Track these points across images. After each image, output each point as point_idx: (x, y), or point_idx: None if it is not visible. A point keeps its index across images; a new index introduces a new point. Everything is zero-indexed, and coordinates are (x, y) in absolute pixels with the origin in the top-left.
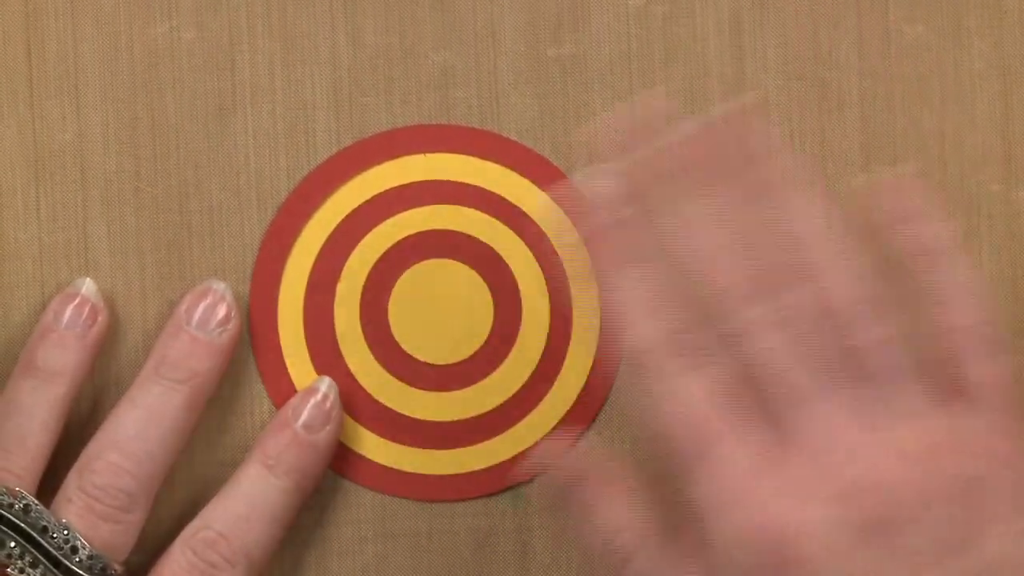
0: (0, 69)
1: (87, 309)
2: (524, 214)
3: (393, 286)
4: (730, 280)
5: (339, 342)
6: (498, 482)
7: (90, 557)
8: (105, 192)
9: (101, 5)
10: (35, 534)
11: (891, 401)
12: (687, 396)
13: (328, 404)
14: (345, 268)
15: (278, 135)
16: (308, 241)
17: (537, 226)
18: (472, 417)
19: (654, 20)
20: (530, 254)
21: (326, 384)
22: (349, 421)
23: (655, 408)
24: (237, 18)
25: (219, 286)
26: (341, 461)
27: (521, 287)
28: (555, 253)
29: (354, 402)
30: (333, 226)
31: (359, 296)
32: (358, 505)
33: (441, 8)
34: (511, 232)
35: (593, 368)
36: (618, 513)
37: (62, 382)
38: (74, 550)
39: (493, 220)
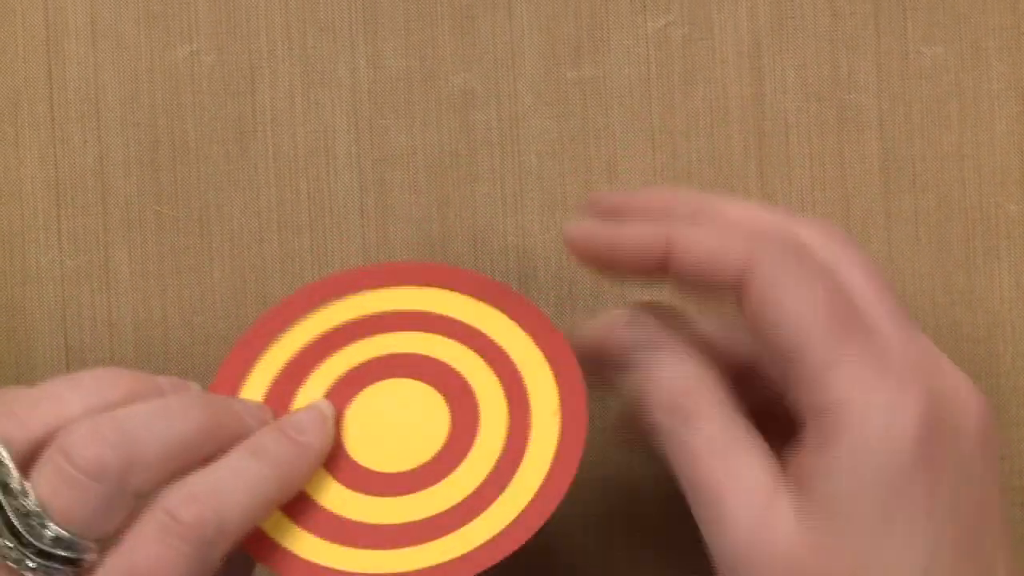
0: (22, 93)
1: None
2: (489, 339)
3: (350, 402)
4: None
5: None
6: None
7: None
8: (126, 215)
9: (122, 29)
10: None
11: None
12: None
13: (323, 414)
14: (301, 389)
15: (298, 158)
16: (267, 364)
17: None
18: (420, 520)
19: (673, 42)
20: (491, 372)
21: (324, 404)
22: (294, 528)
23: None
24: (257, 42)
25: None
26: (285, 564)
27: (479, 399)
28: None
29: (301, 511)
30: (295, 351)
31: None
32: None
33: (461, 31)
34: (472, 352)
35: (547, 477)
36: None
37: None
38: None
39: (455, 343)
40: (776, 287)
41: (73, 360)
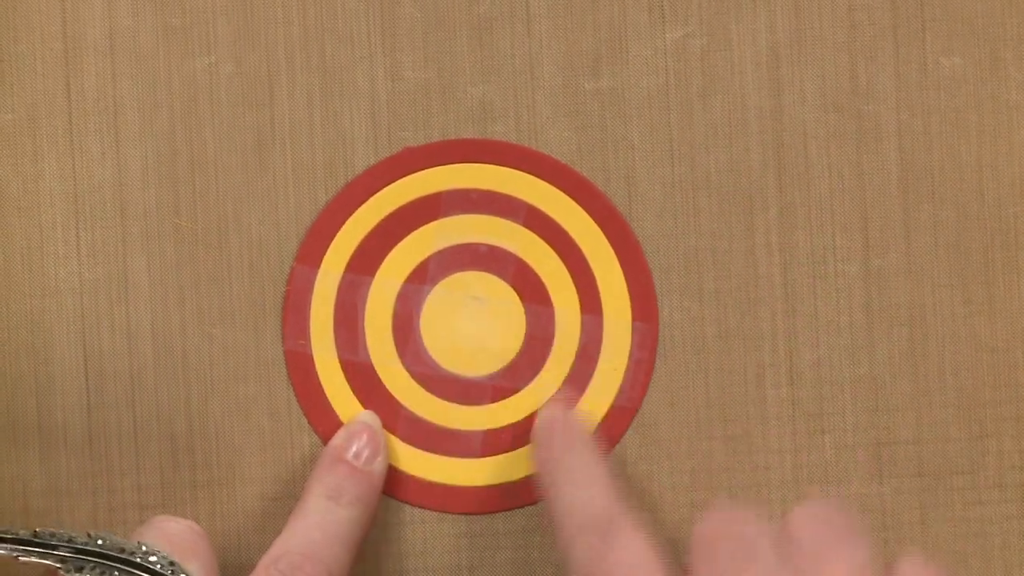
0: (40, 106)
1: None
2: (564, 231)
3: (426, 298)
4: None
5: (372, 357)
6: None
7: None
8: (144, 227)
9: (140, 40)
10: None
11: None
12: None
13: (375, 435)
14: (373, 285)
15: (316, 169)
16: (344, 240)
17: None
18: (502, 427)
19: (692, 53)
20: (566, 271)
21: (369, 417)
22: (388, 435)
23: None
24: (276, 52)
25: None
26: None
27: (554, 300)
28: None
29: (392, 417)
30: (369, 228)
31: (390, 316)
32: (399, 540)
33: (479, 42)
34: (543, 243)
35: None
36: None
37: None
38: None
39: (526, 231)
40: None
41: (92, 372)
